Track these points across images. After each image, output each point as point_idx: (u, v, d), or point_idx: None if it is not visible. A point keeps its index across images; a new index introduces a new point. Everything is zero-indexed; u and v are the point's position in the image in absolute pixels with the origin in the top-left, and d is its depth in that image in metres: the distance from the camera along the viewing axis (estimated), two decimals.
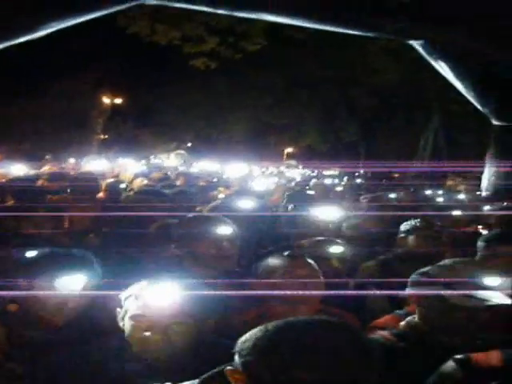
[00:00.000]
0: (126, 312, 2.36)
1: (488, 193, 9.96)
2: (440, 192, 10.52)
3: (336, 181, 14.06)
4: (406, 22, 9.04)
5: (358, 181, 15.23)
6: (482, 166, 10.59)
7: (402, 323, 2.70)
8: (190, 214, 4.00)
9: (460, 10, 8.84)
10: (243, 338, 1.65)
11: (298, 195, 7.40)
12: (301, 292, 2.72)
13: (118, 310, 2.43)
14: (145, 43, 17.84)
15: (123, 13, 14.00)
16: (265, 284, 2.83)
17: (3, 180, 8.24)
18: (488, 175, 10.27)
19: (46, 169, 10.82)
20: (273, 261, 2.95)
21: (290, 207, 5.77)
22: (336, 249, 3.74)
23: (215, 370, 2.00)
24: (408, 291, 2.74)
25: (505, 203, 7.42)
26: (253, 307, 2.86)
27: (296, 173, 21.11)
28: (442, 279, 2.56)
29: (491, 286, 2.50)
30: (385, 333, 2.61)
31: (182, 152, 19.19)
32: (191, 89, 35.33)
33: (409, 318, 2.70)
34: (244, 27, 16.67)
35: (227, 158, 20.67)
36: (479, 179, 10.74)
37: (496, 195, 9.24)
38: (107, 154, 20.76)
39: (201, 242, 3.43)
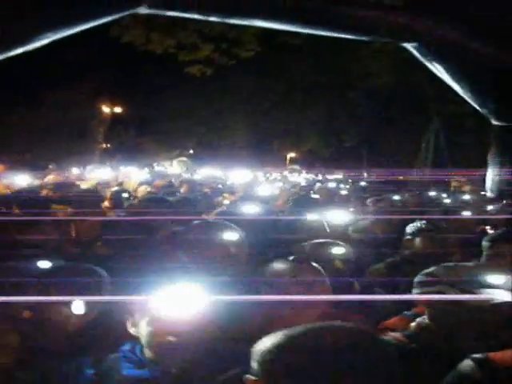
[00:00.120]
0: (143, 318, 2.35)
1: (492, 193, 9.96)
2: (445, 194, 10.51)
3: (341, 185, 14.04)
4: (400, 24, 9.04)
5: (363, 184, 15.20)
6: (484, 173, 10.58)
7: (413, 324, 2.69)
8: (196, 221, 3.99)
9: (454, 11, 8.85)
10: (262, 346, 1.61)
11: (303, 200, 7.40)
12: (310, 297, 2.72)
13: (130, 317, 2.42)
14: (140, 52, 17.91)
15: (116, 22, 14.03)
16: (273, 288, 2.82)
17: (8, 191, 8.25)
18: (491, 176, 10.26)
19: (50, 178, 10.84)
20: (278, 265, 2.95)
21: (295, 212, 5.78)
22: (338, 250, 3.73)
23: (228, 375, 2.00)
24: (416, 295, 2.74)
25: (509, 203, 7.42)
26: (261, 312, 2.85)
27: (300, 177, 21.15)
28: (447, 279, 2.56)
29: (497, 284, 2.51)
30: (396, 334, 2.61)
31: (185, 159, 19.23)
32: (188, 95, 35.43)
33: (419, 319, 2.69)
34: (236, 34, 16.74)
35: (230, 165, 20.70)
36: (483, 180, 10.73)
37: (500, 195, 9.24)
38: (110, 162, 20.79)
39: (208, 249, 3.43)
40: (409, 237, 4.57)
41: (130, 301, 2.40)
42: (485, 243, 3.83)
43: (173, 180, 11.47)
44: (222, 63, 18.21)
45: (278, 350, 1.54)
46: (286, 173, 24.77)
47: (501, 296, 2.43)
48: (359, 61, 26.94)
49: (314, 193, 10.46)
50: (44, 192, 7.93)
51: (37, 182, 10.11)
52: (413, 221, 4.73)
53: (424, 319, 2.67)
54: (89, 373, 2.32)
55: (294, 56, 28.61)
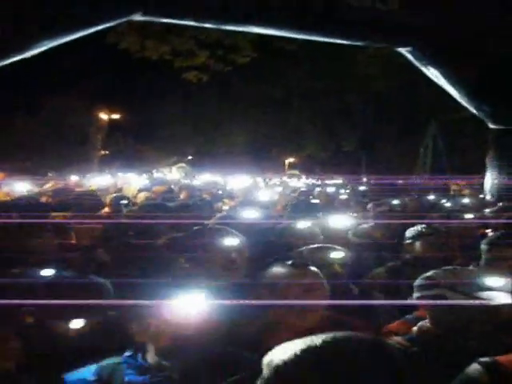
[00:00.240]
0: (149, 323, 2.34)
1: (491, 196, 9.96)
2: (445, 198, 10.50)
3: (340, 189, 14.03)
4: (394, 29, 9.05)
5: (362, 188, 15.19)
6: (483, 176, 10.59)
7: (415, 328, 2.69)
8: (196, 227, 4.00)
9: (449, 15, 8.86)
10: (275, 358, 1.50)
11: (303, 204, 7.41)
12: (310, 302, 2.72)
13: (132, 323, 2.41)
14: (137, 58, 17.96)
15: (113, 29, 14.05)
16: (272, 293, 2.83)
17: (8, 198, 8.26)
18: (490, 179, 10.27)
19: (49, 186, 10.84)
20: (277, 270, 2.96)
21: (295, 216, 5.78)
22: (337, 254, 3.73)
23: (231, 380, 2.00)
24: (416, 300, 2.74)
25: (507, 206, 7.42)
26: (260, 316, 2.85)
27: (299, 182, 21.15)
28: (447, 282, 2.57)
29: (495, 287, 2.51)
30: (399, 338, 2.61)
31: (184, 165, 19.25)
32: (187, 101, 35.52)
33: (421, 323, 2.69)
34: (232, 40, 16.78)
35: (229, 170, 20.71)
36: (482, 184, 10.74)
37: (499, 198, 9.24)
38: (109, 169, 20.80)
39: (209, 254, 3.43)
40: (409, 241, 4.57)
41: (133, 306, 2.40)
42: (483, 246, 3.83)
43: (172, 186, 11.47)
44: (218, 69, 18.28)
45: (294, 363, 1.46)
46: (285, 178, 24.78)
47: (500, 298, 2.44)
48: (356, 66, 27.01)
49: (314, 197, 10.47)
50: (43, 199, 7.93)
51: (36, 190, 10.11)
52: (413, 225, 4.73)
53: (425, 323, 2.67)
54: (90, 379, 2.32)
55: (290, 62, 28.70)
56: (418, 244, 4.48)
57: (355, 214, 6.86)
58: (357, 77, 28.16)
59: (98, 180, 11.42)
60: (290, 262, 2.95)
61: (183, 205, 7.04)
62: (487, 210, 7.31)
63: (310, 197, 10.69)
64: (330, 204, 8.97)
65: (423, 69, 9.85)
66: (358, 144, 35.14)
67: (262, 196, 9.32)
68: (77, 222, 4.89)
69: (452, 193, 13.91)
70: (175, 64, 17.55)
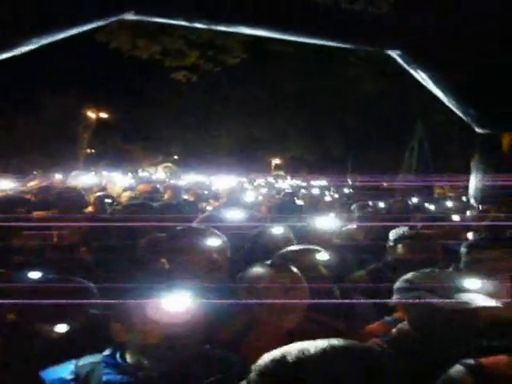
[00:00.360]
0: (132, 322, 2.33)
1: (475, 200, 10.02)
2: (428, 201, 10.56)
3: (325, 191, 14.06)
4: (383, 32, 9.08)
5: (347, 190, 15.24)
6: (467, 179, 10.66)
7: (394, 330, 2.71)
8: (179, 227, 3.99)
9: (438, 19, 8.90)
10: (265, 365, 1.47)
11: (287, 206, 7.42)
12: (291, 301, 2.73)
13: (113, 322, 2.40)
14: (126, 57, 17.91)
15: (102, 28, 14.00)
16: (251, 293, 2.83)
17: None
18: (474, 183, 10.33)
19: (34, 184, 10.78)
20: (256, 270, 2.97)
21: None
22: (320, 256, 3.73)
23: (210, 381, 2.00)
24: (395, 299, 2.76)
25: (491, 210, 7.48)
26: (240, 317, 2.86)
27: (285, 183, 21.16)
28: (426, 285, 2.58)
29: (473, 289, 2.53)
30: (377, 340, 2.62)
31: (170, 165, 19.20)
32: (175, 101, 35.48)
33: (400, 325, 2.71)
34: (223, 41, 16.79)
35: (215, 171, 20.69)
36: (466, 187, 10.81)
37: (483, 202, 9.31)
38: (95, 168, 20.71)
39: (190, 254, 3.43)
40: (391, 243, 4.59)
41: (114, 305, 2.39)
42: (462, 249, 3.85)
43: (158, 186, 11.43)
44: (208, 69, 18.27)
45: (284, 371, 1.43)
46: (270, 179, 24.80)
47: (478, 301, 2.46)
48: (344, 67, 27.08)
49: (298, 199, 10.48)
50: (27, 196, 7.89)
51: (20, 188, 10.05)
52: (396, 227, 4.76)
53: (404, 325, 2.68)
54: (68, 378, 2.31)
55: (278, 63, 28.73)
56: (400, 246, 4.50)
57: (339, 216, 6.87)
58: (346, 78, 28.23)
59: (83, 178, 11.35)
60: (269, 263, 2.96)
61: (167, 205, 7.04)
62: (470, 213, 7.37)
63: (295, 198, 10.71)
64: (315, 206, 8.99)
65: (412, 72, 9.88)
66: (344, 146, 35.21)
67: (246, 197, 9.32)
68: (58, 222, 4.88)
69: (436, 196, 13.99)
70: (165, 63, 17.53)
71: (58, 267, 3.41)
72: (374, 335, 2.77)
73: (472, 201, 10.04)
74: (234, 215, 5.27)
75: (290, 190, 14.24)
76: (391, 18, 8.85)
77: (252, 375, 1.47)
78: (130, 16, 7.98)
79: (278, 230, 4.61)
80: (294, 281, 2.88)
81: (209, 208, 8.00)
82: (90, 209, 7.02)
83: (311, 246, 3.91)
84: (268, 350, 1.53)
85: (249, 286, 2.89)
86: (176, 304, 2.26)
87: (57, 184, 11.49)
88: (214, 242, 3.51)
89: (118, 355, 2.35)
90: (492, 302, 2.46)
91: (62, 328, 2.64)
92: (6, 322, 2.63)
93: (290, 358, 1.42)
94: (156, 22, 9.94)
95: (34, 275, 2.98)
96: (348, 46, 10.17)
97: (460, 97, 9.81)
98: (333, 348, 1.45)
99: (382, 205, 8.64)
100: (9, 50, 7.03)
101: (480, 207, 7.82)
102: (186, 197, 9.46)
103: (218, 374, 2.26)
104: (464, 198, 10.63)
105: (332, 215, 6.48)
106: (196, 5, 8.09)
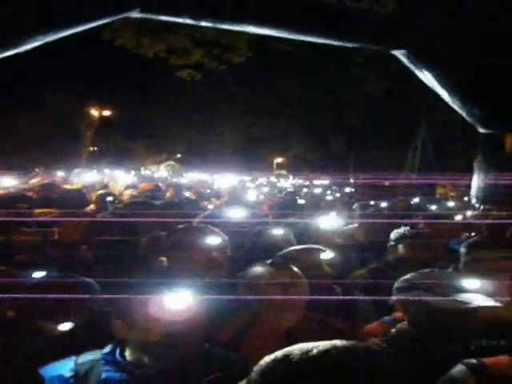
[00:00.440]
0: (133, 319, 2.33)
1: (477, 200, 10.01)
2: (431, 200, 10.53)
3: (327, 190, 14.04)
4: (388, 31, 9.07)
5: (349, 189, 15.23)
6: (470, 178, 10.66)
7: (393, 330, 2.71)
8: (180, 225, 3.99)
9: (443, 18, 8.89)
10: (268, 366, 1.44)
11: (288, 205, 7.41)
12: (292, 298, 2.73)
13: (117, 319, 2.40)
14: (131, 55, 17.91)
15: (108, 26, 14.00)
16: (251, 291, 2.83)
17: None
18: (476, 183, 10.33)
19: (36, 181, 10.80)
20: (256, 269, 2.96)
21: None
22: (323, 255, 3.73)
23: (209, 379, 2.00)
24: (394, 297, 2.75)
25: (493, 210, 7.47)
26: (239, 315, 2.86)
27: (287, 182, 21.15)
28: (425, 285, 2.58)
29: (472, 289, 2.53)
30: (377, 340, 2.62)
31: (173, 163, 19.20)
32: (178, 99, 35.43)
33: (399, 325, 2.71)
34: (229, 39, 16.76)
35: (218, 169, 20.69)
36: (468, 186, 10.81)
37: (485, 202, 9.30)
38: (98, 166, 20.72)
39: (191, 252, 3.43)
40: (392, 243, 4.59)
41: (116, 302, 2.40)
42: (462, 249, 3.85)
43: (160, 184, 11.44)
44: (212, 68, 18.25)
45: (287, 371, 1.40)
46: (272, 178, 24.78)
47: (476, 301, 2.45)
48: (349, 67, 27.04)
49: (300, 198, 10.48)
50: (29, 194, 7.90)
51: (22, 185, 10.06)
52: (397, 226, 4.75)
53: (404, 324, 2.68)
54: (67, 375, 2.31)
55: (282, 62, 28.71)
56: (400, 246, 4.49)
57: (340, 215, 6.86)
58: (350, 77, 28.20)
59: (85, 176, 11.36)
60: (269, 262, 2.96)
61: (169, 203, 7.04)
62: (471, 213, 7.36)
63: (297, 197, 10.71)
64: (316, 205, 8.98)
65: (417, 72, 9.88)
66: (346, 145, 35.18)
67: (248, 195, 9.32)
68: (61, 219, 4.88)
69: (438, 196, 13.97)
70: (170, 61, 17.51)
71: (60, 264, 3.42)
72: (373, 335, 2.77)
73: (474, 200, 10.04)
74: (235, 214, 5.27)
75: (292, 189, 14.22)
76: (396, 16, 8.84)
77: (253, 375, 1.45)
78: (135, 14, 7.99)
79: (278, 229, 4.60)
80: (294, 279, 2.88)
81: (210, 206, 7.99)
82: (91, 206, 7.03)
83: (314, 245, 3.91)
84: (267, 348, 1.53)
85: (248, 283, 2.89)
86: (177, 302, 2.26)
87: (60, 182, 11.50)
88: (213, 240, 3.51)
89: (117, 353, 2.35)
90: (491, 302, 2.46)
91: (64, 325, 2.64)
92: (6, 318, 2.63)
93: (292, 359, 1.40)
94: (161, 20, 9.95)
95: (36, 272, 2.98)
96: (353, 45, 10.16)
97: (464, 96, 9.81)
98: (335, 349, 1.42)
99: (383, 204, 8.62)
100: (13, 47, 7.05)
101: (482, 207, 7.80)
102: (187, 195, 9.46)
103: (218, 372, 2.25)
104: (466, 198, 10.62)
105: (334, 214, 6.47)
106: (198, 3, 8.10)
